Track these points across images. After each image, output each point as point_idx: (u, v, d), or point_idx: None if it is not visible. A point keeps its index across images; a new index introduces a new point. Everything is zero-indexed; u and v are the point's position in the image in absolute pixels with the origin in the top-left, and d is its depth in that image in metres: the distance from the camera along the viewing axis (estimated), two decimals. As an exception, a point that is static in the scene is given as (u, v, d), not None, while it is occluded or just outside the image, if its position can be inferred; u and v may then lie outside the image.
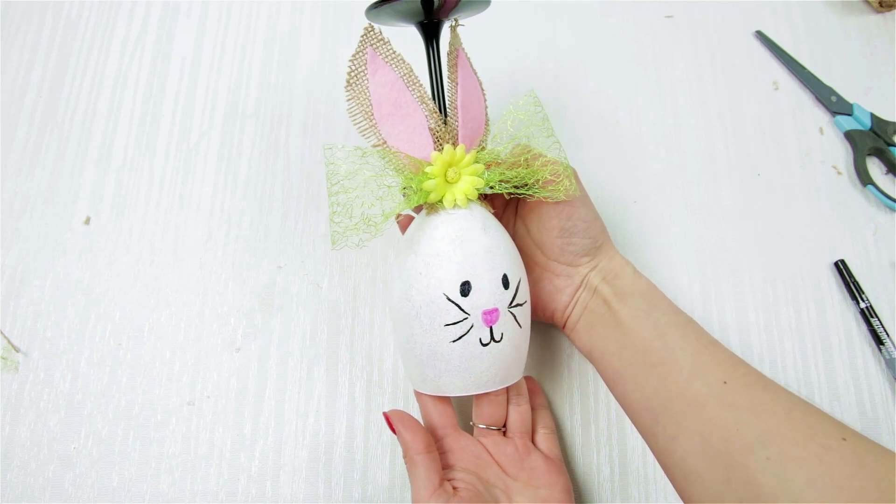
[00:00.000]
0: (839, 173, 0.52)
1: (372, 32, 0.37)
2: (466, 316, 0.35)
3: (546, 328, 0.46)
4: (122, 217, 0.50)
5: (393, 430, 0.38)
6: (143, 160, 0.52)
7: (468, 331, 0.35)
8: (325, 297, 0.48)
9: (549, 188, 0.38)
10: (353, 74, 0.37)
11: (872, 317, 0.46)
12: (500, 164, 0.39)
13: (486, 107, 0.40)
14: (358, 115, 0.37)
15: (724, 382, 0.35)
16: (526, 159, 0.38)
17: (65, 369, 0.46)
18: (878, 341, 0.46)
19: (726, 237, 0.50)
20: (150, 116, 0.53)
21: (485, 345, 0.35)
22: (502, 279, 0.36)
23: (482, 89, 0.40)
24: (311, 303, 0.47)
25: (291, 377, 0.45)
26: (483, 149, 0.39)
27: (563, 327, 0.42)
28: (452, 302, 0.35)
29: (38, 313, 0.47)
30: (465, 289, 0.35)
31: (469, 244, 0.36)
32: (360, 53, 0.37)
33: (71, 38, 0.56)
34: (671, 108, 0.54)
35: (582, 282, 0.41)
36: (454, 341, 0.35)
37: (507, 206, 0.45)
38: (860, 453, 0.30)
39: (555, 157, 0.39)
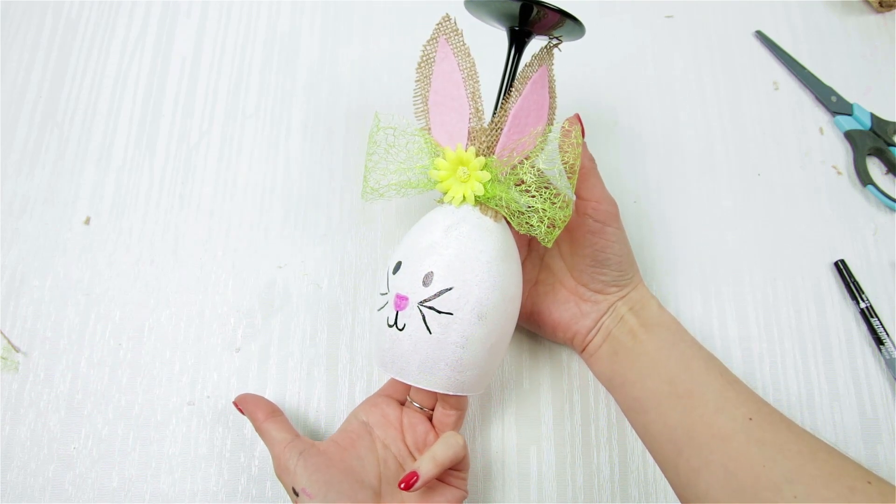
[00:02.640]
0: (839, 173, 0.52)
1: (448, 22, 0.39)
2: (387, 292, 0.38)
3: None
4: (122, 217, 0.50)
5: (242, 412, 0.40)
6: (143, 160, 0.52)
7: (384, 306, 0.38)
8: (325, 297, 0.48)
9: (522, 220, 0.37)
10: (423, 59, 0.40)
11: (872, 317, 0.46)
12: (522, 183, 0.37)
13: (548, 129, 0.39)
14: (418, 98, 0.40)
15: (750, 419, 0.35)
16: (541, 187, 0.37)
17: (65, 369, 0.46)
18: (878, 341, 0.46)
19: (726, 237, 0.50)
20: (150, 116, 0.53)
21: (389, 326, 0.37)
22: (425, 275, 0.36)
23: (552, 112, 0.41)
24: (311, 303, 0.47)
25: (291, 377, 0.45)
26: (523, 162, 0.38)
27: (582, 351, 0.43)
28: (387, 275, 0.38)
29: (38, 313, 0.47)
30: (396, 268, 0.38)
31: (423, 234, 0.38)
32: (433, 41, 0.39)
33: (71, 38, 0.56)
34: (671, 108, 0.54)
35: (608, 309, 0.41)
36: (378, 310, 0.39)
37: None
38: (886, 497, 0.31)
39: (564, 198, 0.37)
